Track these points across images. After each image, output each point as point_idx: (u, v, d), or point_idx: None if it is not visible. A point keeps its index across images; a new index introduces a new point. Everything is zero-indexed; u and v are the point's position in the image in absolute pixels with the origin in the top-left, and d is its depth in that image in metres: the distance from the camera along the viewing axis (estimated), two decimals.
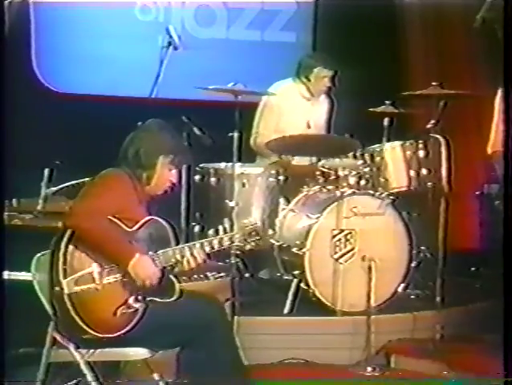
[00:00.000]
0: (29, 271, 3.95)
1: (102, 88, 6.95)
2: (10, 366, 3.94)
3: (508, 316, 4.07)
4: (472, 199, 6.46)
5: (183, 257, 3.90)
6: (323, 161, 5.69)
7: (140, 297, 3.83)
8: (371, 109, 5.54)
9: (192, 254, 3.90)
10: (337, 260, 5.24)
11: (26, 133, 5.74)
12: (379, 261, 5.10)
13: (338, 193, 5.41)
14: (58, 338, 3.90)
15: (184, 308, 3.90)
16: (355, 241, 5.26)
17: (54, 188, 5.53)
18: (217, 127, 5.25)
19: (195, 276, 5.12)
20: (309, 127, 6.10)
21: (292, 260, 5.37)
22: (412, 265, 5.41)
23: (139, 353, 3.88)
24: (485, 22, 5.02)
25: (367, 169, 5.58)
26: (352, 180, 5.54)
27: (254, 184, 5.65)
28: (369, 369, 4.90)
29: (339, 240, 5.26)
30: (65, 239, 3.78)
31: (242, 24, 7.49)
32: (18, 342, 4.29)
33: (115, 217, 3.84)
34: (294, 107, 6.08)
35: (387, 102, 5.53)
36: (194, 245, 3.94)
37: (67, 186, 5.47)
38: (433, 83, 5.29)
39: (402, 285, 5.37)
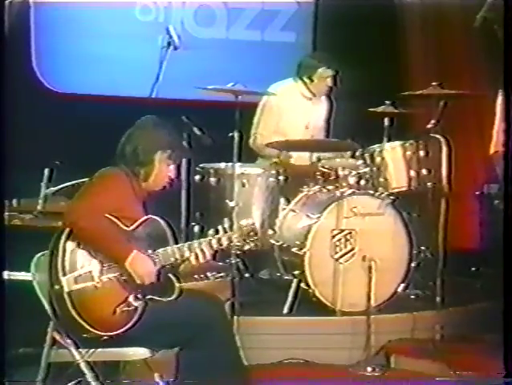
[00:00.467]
0: (29, 271, 3.94)
1: (102, 88, 6.94)
2: (10, 366, 3.95)
3: (508, 316, 4.08)
4: (472, 199, 6.45)
5: (182, 256, 3.90)
6: (323, 161, 5.70)
7: (139, 296, 3.83)
8: (371, 109, 5.52)
9: (201, 250, 3.90)
10: (337, 260, 5.24)
11: (26, 133, 5.74)
12: (379, 261, 5.09)
13: (338, 193, 5.41)
14: (58, 338, 3.90)
15: (184, 307, 3.90)
16: (355, 241, 5.26)
17: (54, 188, 5.54)
18: (217, 127, 5.25)
19: (195, 276, 5.12)
20: (308, 127, 6.10)
21: (292, 260, 5.37)
22: (412, 265, 5.41)
23: (139, 353, 3.88)
24: (486, 22, 5.02)
25: (367, 169, 5.57)
26: (352, 180, 5.53)
27: (254, 184, 5.65)
28: (369, 369, 4.90)
29: (339, 240, 5.26)
30: (64, 237, 3.79)
31: (242, 24, 7.48)
32: (18, 342, 4.30)
33: (113, 216, 3.84)
34: (294, 108, 6.08)
35: (387, 102, 5.52)
36: (192, 243, 3.94)
37: (66, 186, 5.47)
38: (433, 83, 5.29)
39: (402, 285, 5.37)
